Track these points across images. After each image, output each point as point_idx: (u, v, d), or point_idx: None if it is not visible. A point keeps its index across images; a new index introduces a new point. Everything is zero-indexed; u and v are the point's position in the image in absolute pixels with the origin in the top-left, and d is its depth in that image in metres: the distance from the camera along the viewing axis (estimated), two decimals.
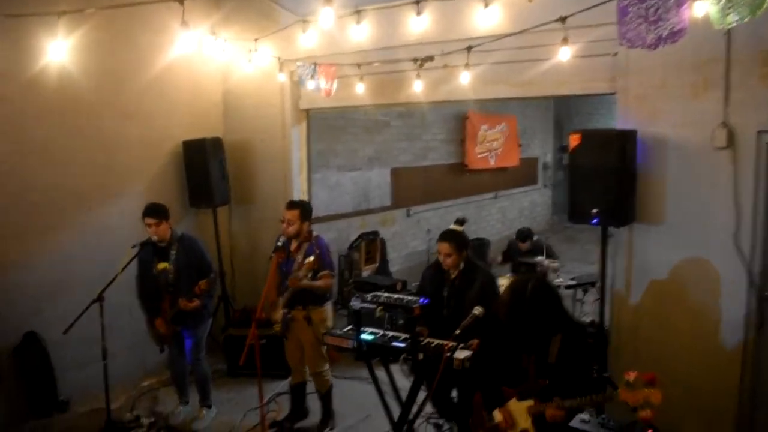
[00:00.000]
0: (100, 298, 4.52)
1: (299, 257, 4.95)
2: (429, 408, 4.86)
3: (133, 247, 4.81)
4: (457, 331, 3.22)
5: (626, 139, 4.46)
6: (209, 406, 5.43)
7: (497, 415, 3.34)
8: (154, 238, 4.93)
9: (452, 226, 4.57)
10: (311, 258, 4.73)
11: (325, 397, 5.31)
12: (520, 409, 3.26)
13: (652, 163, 4.59)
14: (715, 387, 4.42)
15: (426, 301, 3.95)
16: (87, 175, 5.72)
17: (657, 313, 4.68)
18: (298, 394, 5.42)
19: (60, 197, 5.53)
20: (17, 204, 5.22)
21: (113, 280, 4.59)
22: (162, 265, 5.02)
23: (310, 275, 4.84)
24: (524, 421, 3.25)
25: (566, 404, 3.07)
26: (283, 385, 6.02)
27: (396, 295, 4.22)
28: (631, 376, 2.94)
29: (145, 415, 5.29)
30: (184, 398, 5.50)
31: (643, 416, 2.87)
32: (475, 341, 3.71)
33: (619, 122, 4.74)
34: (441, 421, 5.16)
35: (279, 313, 5.06)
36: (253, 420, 5.32)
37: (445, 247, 4.40)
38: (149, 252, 4.97)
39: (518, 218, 13.70)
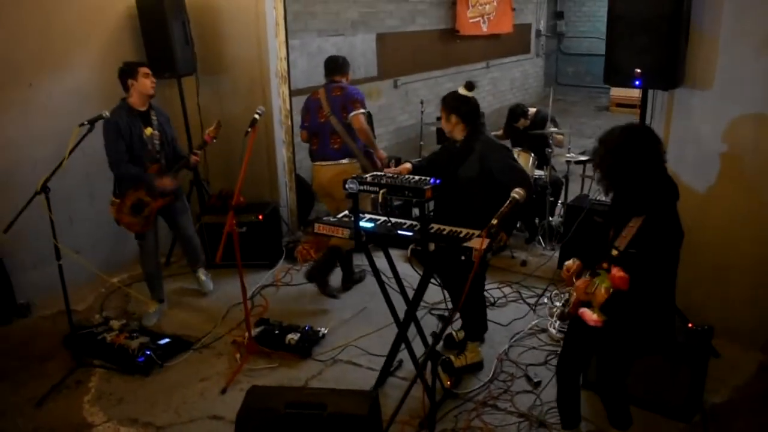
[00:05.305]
0: (44, 189, 3.77)
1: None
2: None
3: (81, 125, 3.98)
4: (494, 221, 2.54)
5: None
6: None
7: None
8: (151, 92, 4.46)
9: (459, 90, 3.84)
10: None
11: None
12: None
13: (703, 16, 3.81)
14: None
15: (438, 181, 3.28)
16: (22, 42, 4.75)
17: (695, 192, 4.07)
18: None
19: None
20: None
21: (59, 166, 3.81)
22: (149, 131, 4.50)
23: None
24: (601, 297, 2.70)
25: None
26: (267, 276, 5.49)
27: (401, 176, 3.54)
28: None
29: (115, 317, 4.70)
30: (158, 296, 4.89)
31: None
32: (504, 236, 3.12)
33: None
34: (445, 312, 4.71)
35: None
36: (237, 316, 4.77)
37: (441, 110, 3.83)
38: (127, 115, 4.38)
39: (510, 90, 12.88)
